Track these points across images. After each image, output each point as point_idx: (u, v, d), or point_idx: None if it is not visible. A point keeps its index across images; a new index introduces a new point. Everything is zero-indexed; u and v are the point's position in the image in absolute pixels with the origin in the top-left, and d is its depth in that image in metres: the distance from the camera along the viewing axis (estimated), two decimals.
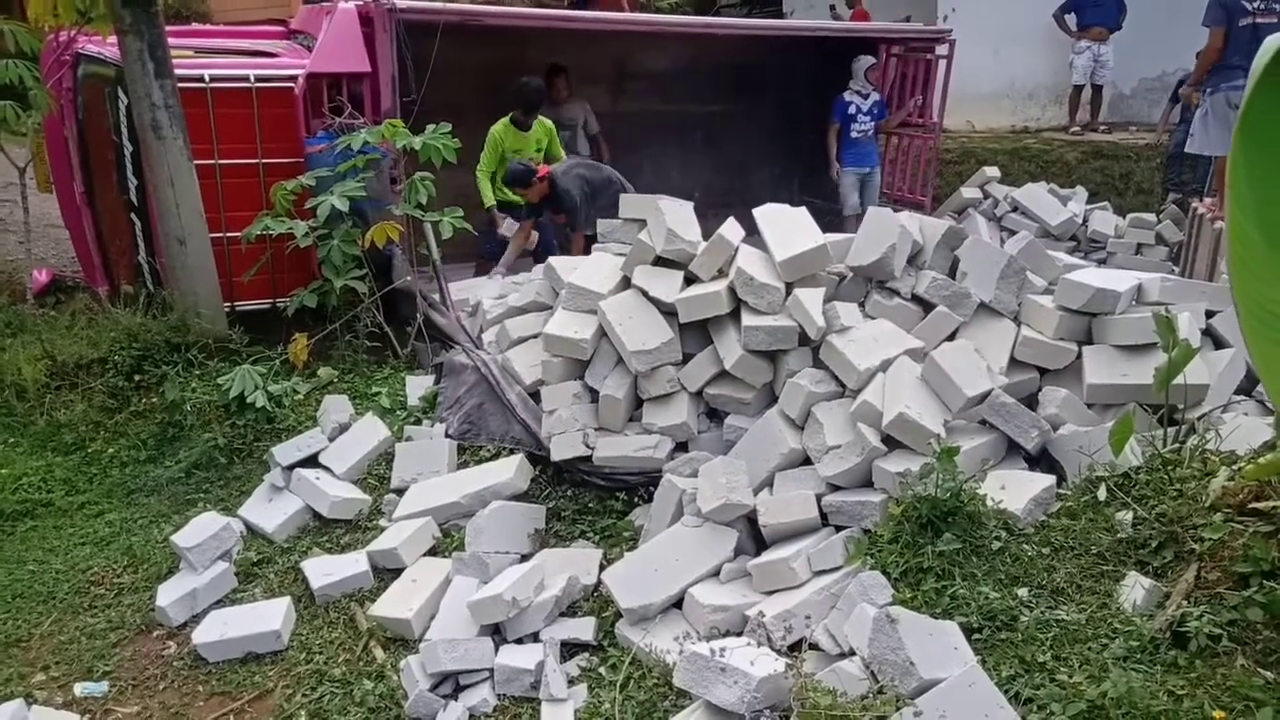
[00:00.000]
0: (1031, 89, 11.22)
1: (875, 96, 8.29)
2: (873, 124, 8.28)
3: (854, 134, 8.22)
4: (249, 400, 4.82)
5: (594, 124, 7.48)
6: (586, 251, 5.55)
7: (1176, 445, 3.29)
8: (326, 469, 4.60)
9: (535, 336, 4.66)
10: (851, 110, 8.18)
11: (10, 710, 3.37)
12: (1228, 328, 3.87)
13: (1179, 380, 3.20)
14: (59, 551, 4.42)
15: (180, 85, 5.25)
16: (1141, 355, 3.68)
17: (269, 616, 3.86)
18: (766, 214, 4.42)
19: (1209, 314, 3.94)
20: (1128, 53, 10.21)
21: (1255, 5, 6.47)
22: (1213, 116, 6.56)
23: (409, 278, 5.75)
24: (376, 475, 4.61)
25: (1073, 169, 9.70)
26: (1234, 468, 3.03)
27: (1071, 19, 10.22)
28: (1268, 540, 2.68)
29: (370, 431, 4.75)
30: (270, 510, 4.45)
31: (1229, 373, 3.71)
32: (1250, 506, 2.82)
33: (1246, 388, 3.77)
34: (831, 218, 8.41)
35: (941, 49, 8.48)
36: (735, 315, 4.12)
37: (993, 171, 9.27)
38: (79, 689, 3.70)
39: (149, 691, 3.70)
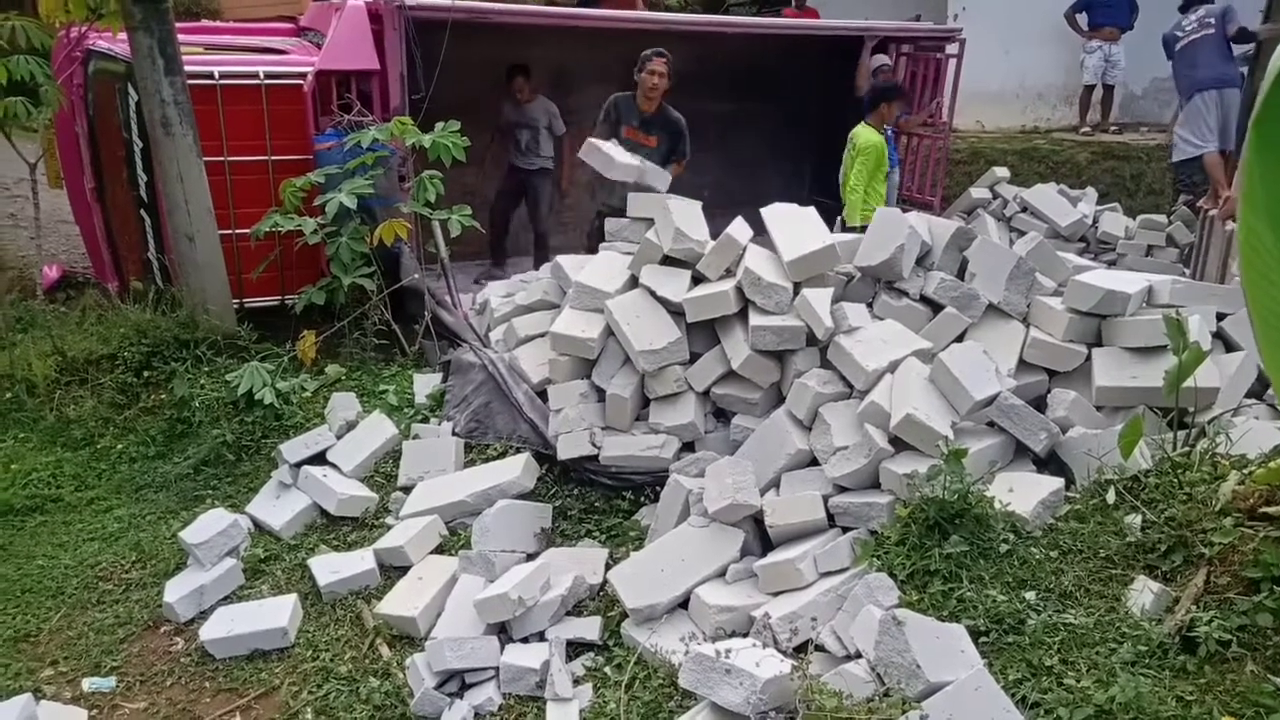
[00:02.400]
0: (1042, 89, 11.17)
1: None
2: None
3: None
4: (257, 397, 4.84)
5: (559, 125, 7.36)
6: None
7: (1186, 449, 3.28)
8: (334, 466, 4.61)
9: (542, 335, 4.67)
10: None
11: (19, 704, 3.38)
12: (1238, 330, 3.85)
13: (1189, 383, 3.19)
14: (68, 547, 4.44)
15: (190, 82, 5.27)
16: (1151, 358, 3.66)
17: (276, 613, 3.86)
18: (774, 214, 4.40)
19: (1220, 316, 3.91)
20: (1139, 53, 10.14)
21: (1189, 27, 7.64)
22: (1185, 120, 7.72)
23: (417, 276, 5.76)
24: (384, 473, 4.62)
25: (1083, 170, 9.64)
26: (1244, 472, 3.01)
27: (1083, 18, 10.17)
28: (1278, 545, 2.66)
29: (377, 429, 4.75)
30: (278, 507, 4.46)
31: (1240, 376, 3.68)
32: (1261, 511, 2.80)
33: (1258, 391, 3.74)
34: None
35: (951, 48, 8.45)
36: (743, 314, 4.11)
37: (1002, 172, 9.23)
38: (87, 684, 3.71)
39: (156, 687, 3.72)
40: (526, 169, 7.30)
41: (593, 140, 5.59)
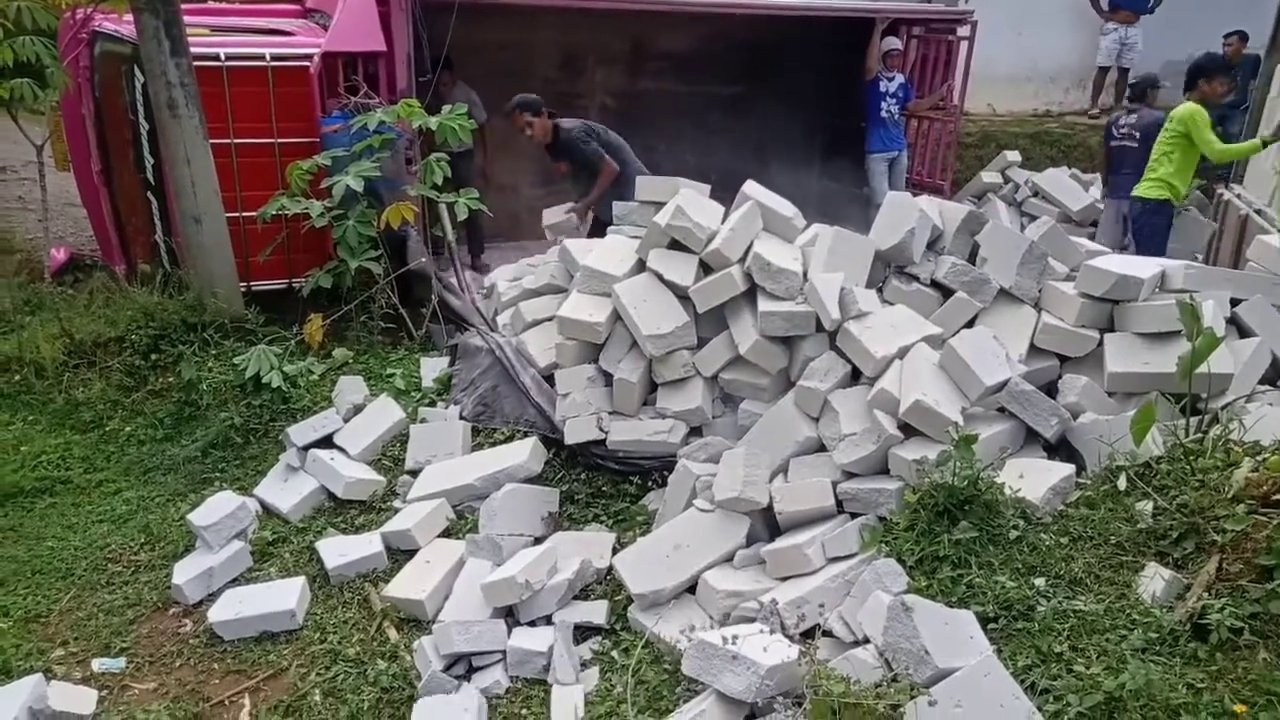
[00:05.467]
0: (1054, 72, 11.06)
1: (899, 79, 8.20)
2: (899, 106, 8.20)
3: (882, 114, 8.16)
4: (265, 380, 4.84)
5: (480, 113, 7.10)
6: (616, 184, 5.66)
7: (1199, 435, 3.25)
8: (341, 450, 4.61)
9: (550, 319, 4.65)
10: (882, 88, 8.12)
11: (29, 684, 3.40)
12: (1253, 316, 3.81)
13: (1202, 369, 3.16)
14: (77, 528, 4.46)
15: (196, 64, 5.24)
16: (1164, 343, 3.63)
17: (284, 596, 3.87)
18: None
19: (1234, 302, 3.87)
20: (1155, 35, 10.04)
21: (1123, 130, 7.38)
22: (1110, 218, 7.39)
23: (424, 259, 5.74)
24: (391, 456, 4.62)
25: (1095, 153, 9.54)
26: (1258, 459, 2.98)
27: None
28: None
29: (385, 413, 4.75)
30: (285, 490, 4.47)
31: (1254, 362, 3.64)
32: (1274, 498, 2.77)
33: (1271, 377, 3.71)
34: (852, 203, 8.34)
35: (963, 30, 8.37)
36: (751, 298, 4.08)
37: (1013, 156, 9.16)
38: (97, 664, 3.74)
39: (165, 668, 3.73)
40: (455, 152, 7.08)
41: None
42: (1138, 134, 7.21)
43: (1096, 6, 10.13)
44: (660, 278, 4.24)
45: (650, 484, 4.17)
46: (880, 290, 4.15)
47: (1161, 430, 3.27)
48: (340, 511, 4.40)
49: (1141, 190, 6.37)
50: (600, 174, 5.89)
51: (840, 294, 3.85)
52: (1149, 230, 6.35)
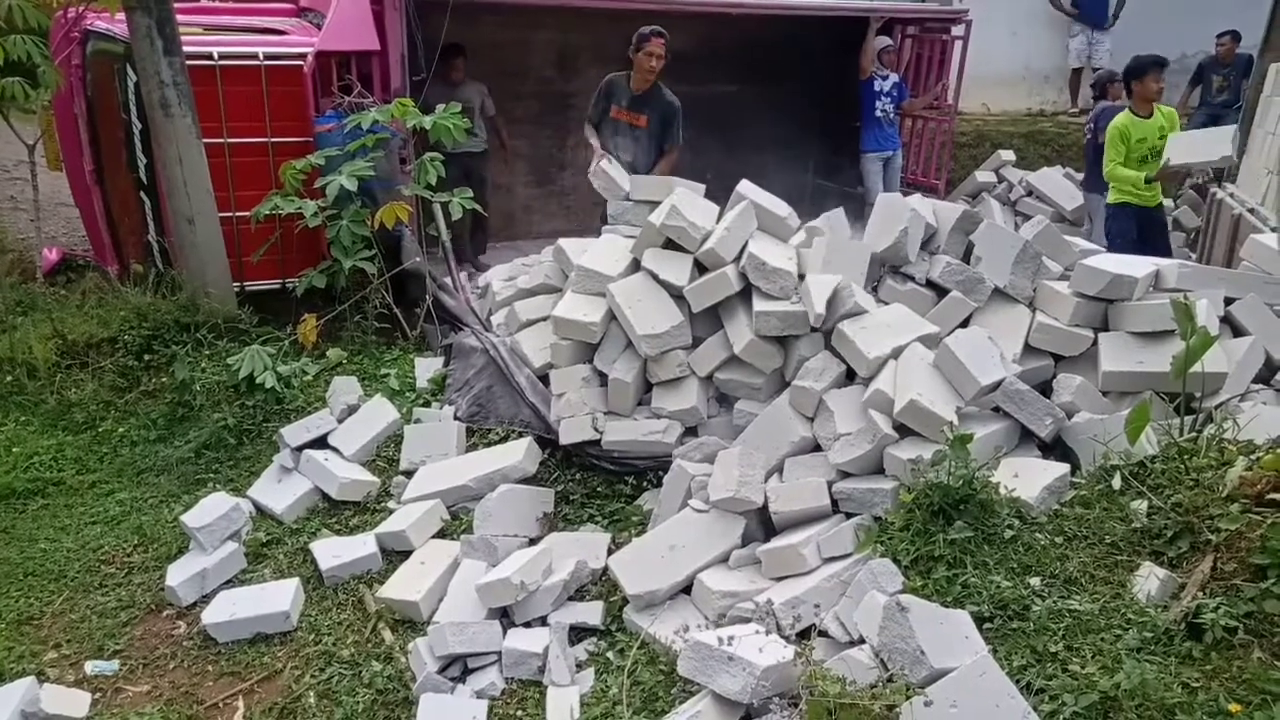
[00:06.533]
0: (1048, 71, 11.10)
1: (893, 78, 8.21)
2: (893, 105, 8.20)
3: (876, 114, 8.16)
4: (258, 381, 4.82)
5: (490, 106, 7.12)
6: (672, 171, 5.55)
7: (1193, 434, 3.25)
8: (335, 450, 4.60)
9: (544, 319, 4.65)
10: (877, 87, 8.12)
11: (22, 687, 3.38)
12: (1246, 315, 3.82)
13: (1196, 368, 3.16)
14: (70, 530, 4.43)
15: (189, 63, 5.22)
16: (1158, 342, 3.64)
17: (278, 597, 3.86)
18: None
19: (1227, 301, 3.88)
20: (1145, 34, 10.03)
21: (1088, 127, 7.63)
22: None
23: (418, 259, 5.73)
24: (385, 457, 4.61)
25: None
26: (1252, 457, 2.98)
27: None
28: None
29: (379, 413, 4.74)
30: (279, 491, 4.45)
31: (1247, 361, 3.65)
32: (1268, 497, 2.78)
33: (1265, 376, 3.72)
34: (847, 202, 8.33)
35: (958, 29, 8.37)
36: (745, 296, 4.08)
37: (1008, 155, 9.19)
38: (90, 667, 3.71)
39: (159, 671, 3.72)
40: (470, 152, 6.79)
41: (603, 167, 5.44)
42: (1091, 126, 7.37)
43: (1059, 6, 10.20)
44: (655, 277, 4.23)
45: (645, 484, 4.17)
46: (875, 290, 4.15)
47: (1156, 429, 3.27)
48: (334, 513, 4.39)
49: (1109, 195, 6.48)
50: (670, 152, 5.86)
51: (831, 294, 3.85)
52: (1113, 232, 6.44)
